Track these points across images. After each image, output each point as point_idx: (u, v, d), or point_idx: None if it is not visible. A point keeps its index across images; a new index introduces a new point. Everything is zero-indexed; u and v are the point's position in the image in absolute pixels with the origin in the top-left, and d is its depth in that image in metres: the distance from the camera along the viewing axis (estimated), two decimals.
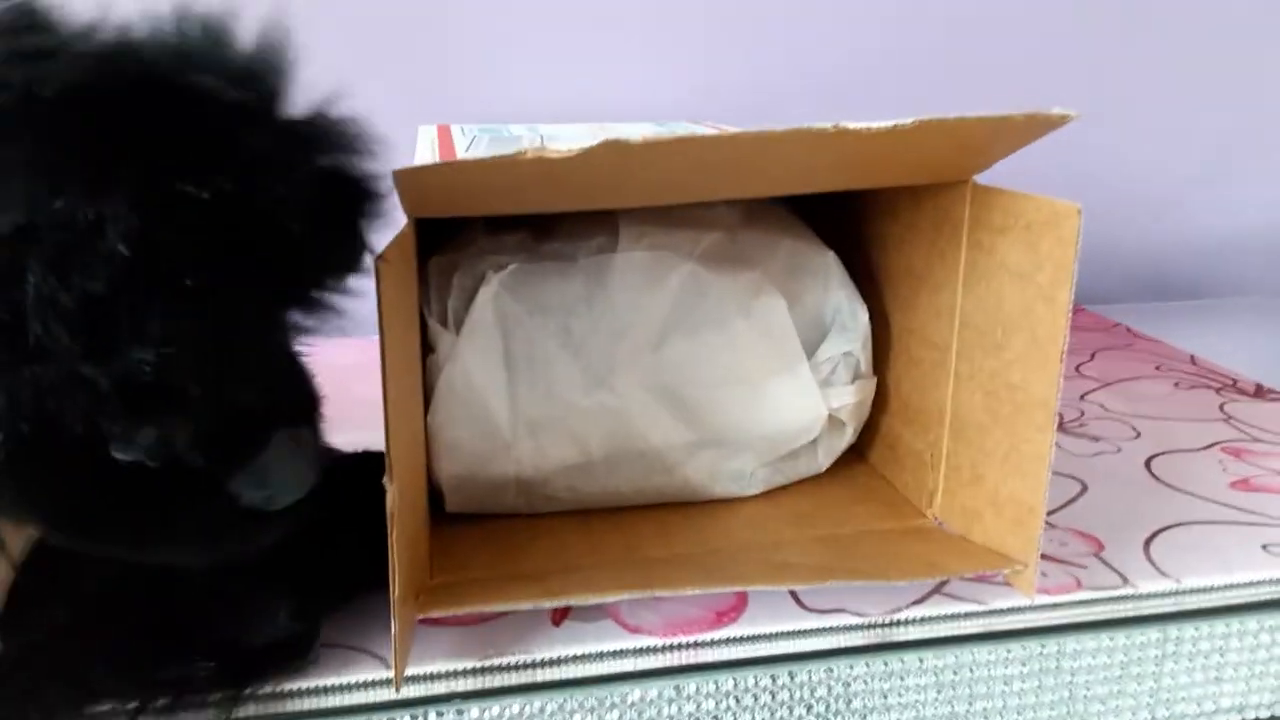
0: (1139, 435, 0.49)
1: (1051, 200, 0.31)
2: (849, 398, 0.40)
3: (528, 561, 0.36)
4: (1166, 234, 0.77)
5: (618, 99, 0.64)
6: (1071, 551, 0.38)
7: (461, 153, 0.42)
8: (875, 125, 0.27)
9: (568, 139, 0.48)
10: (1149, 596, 0.36)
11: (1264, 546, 0.38)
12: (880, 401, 0.43)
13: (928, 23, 0.66)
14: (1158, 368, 0.58)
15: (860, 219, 0.43)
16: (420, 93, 0.61)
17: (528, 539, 0.37)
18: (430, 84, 0.62)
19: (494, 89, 0.63)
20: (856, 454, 0.44)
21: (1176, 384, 0.56)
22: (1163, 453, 0.47)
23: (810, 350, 0.39)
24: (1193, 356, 0.60)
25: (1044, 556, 0.37)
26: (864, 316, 0.40)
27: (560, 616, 0.34)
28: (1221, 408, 0.52)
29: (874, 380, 0.41)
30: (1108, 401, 0.53)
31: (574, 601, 0.32)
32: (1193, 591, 0.36)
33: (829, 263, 0.40)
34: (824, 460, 0.42)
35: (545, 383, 0.36)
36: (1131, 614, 0.35)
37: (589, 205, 0.35)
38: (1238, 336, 0.68)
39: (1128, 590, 0.36)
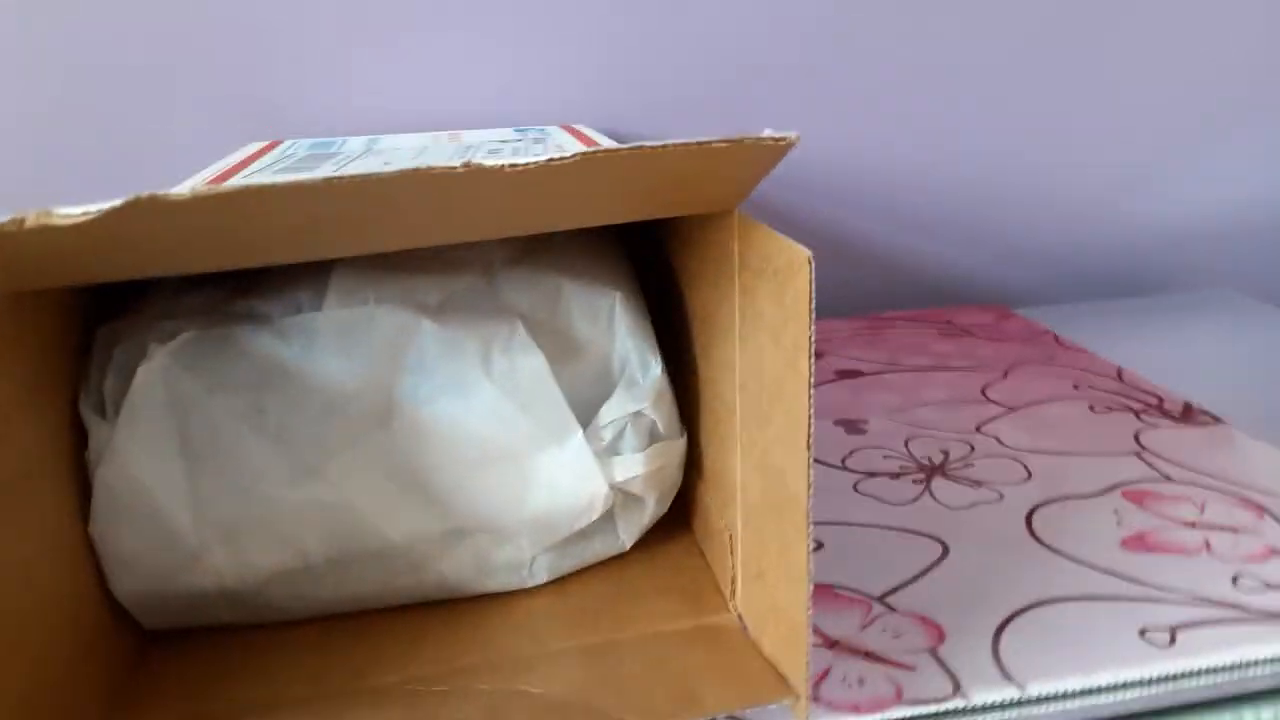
0: (1029, 477, 0.42)
1: (787, 242, 0.24)
2: (638, 467, 0.33)
3: (227, 694, 0.29)
4: (1105, 230, 0.69)
5: (506, 99, 0.57)
6: (903, 645, 0.31)
7: (244, 177, 0.36)
8: (522, 162, 0.21)
9: (402, 151, 0.43)
10: (981, 710, 0.29)
11: (1142, 632, 0.31)
12: (693, 464, 0.36)
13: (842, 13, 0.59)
14: (1076, 386, 0.51)
15: (669, 250, 0.37)
16: (263, 104, 0.55)
17: (240, 659, 0.31)
18: (278, 94, 0.56)
19: (354, 96, 0.57)
20: (683, 524, 0.38)
21: (1092, 406, 0.48)
22: (1051, 500, 0.40)
23: (591, 414, 0.33)
24: (1119, 370, 0.53)
25: (868, 655, 0.31)
26: (657, 369, 0.33)
27: None
28: (1137, 436, 0.45)
29: (679, 441, 0.35)
30: (1006, 433, 0.46)
31: None
32: (1038, 701, 0.29)
33: (614, 305, 0.34)
34: (625, 539, 0.35)
35: (236, 475, 0.30)
36: None
37: (266, 260, 0.28)
38: (1182, 333, 0.60)
39: (956, 703, 0.29)
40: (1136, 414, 0.47)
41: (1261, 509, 0.38)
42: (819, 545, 0.37)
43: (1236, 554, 0.35)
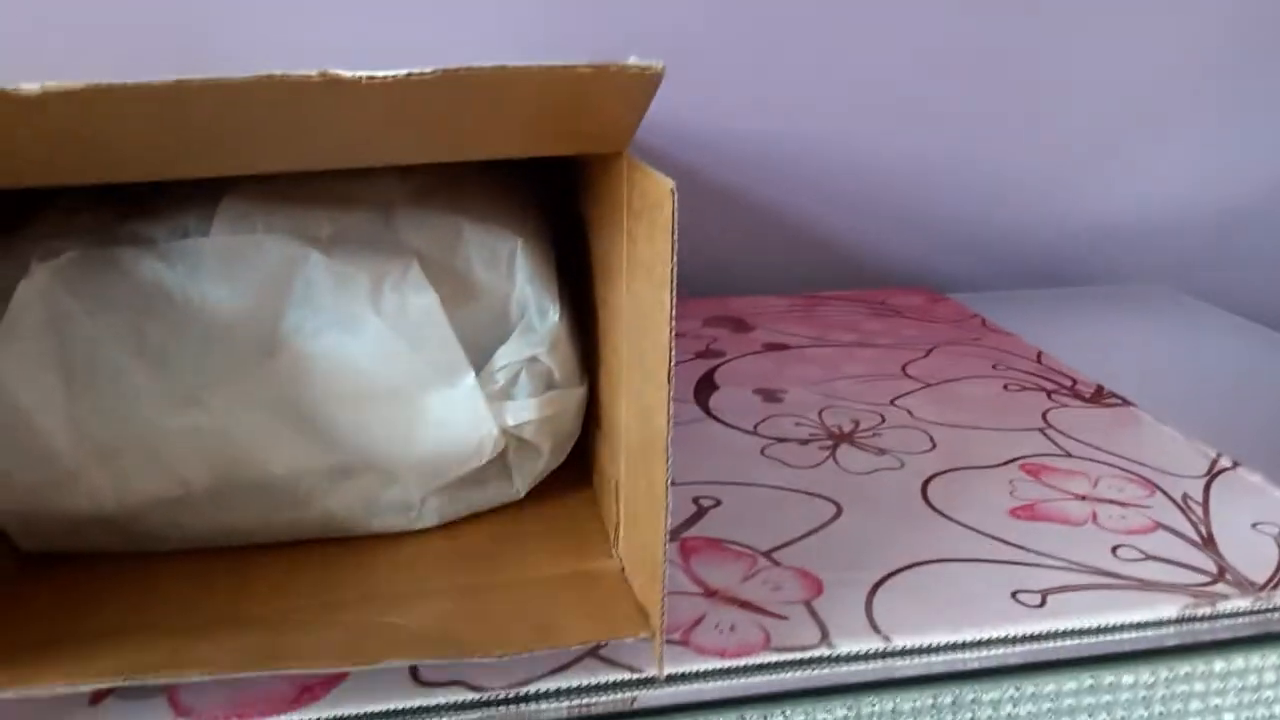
0: (933, 448, 0.42)
1: (657, 177, 0.24)
2: (532, 413, 0.33)
3: (97, 616, 0.29)
4: (1047, 221, 0.70)
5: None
6: (781, 597, 0.31)
7: None
8: (381, 74, 0.21)
9: None
10: (844, 659, 0.29)
11: (1014, 594, 0.32)
12: (592, 414, 0.36)
13: None
14: (995, 366, 0.51)
15: (577, 197, 0.37)
16: (192, 53, 0.55)
17: (113, 585, 0.31)
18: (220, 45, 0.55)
19: (294, 44, 0.57)
20: (584, 474, 0.38)
21: (1006, 386, 0.49)
22: (950, 470, 0.40)
23: (486, 357, 0.33)
24: (1040, 353, 0.53)
25: (742, 604, 0.31)
26: (554, 316, 0.33)
27: (100, 695, 0.28)
28: (1045, 415, 0.45)
29: (578, 391, 0.35)
30: (918, 407, 0.46)
31: (106, 683, 0.26)
32: (902, 653, 0.29)
33: (515, 250, 0.34)
34: (519, 486, 0.35)
35: (116, 399, 0.29)
36: (818, 683, 0.29)
37: (129, 174, 0.27)
38: (1111, 323, 0.61)
39: (820, 651, 0.29)
40: (1048, 394, 0.48)
41: (1154, 486, 0.39)
42: (717, 503, 0.37)
43: (1121, 526, 0.36)
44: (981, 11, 0.61)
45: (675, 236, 0.23)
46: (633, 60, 0.21)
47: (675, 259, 0.23)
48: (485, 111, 0.24)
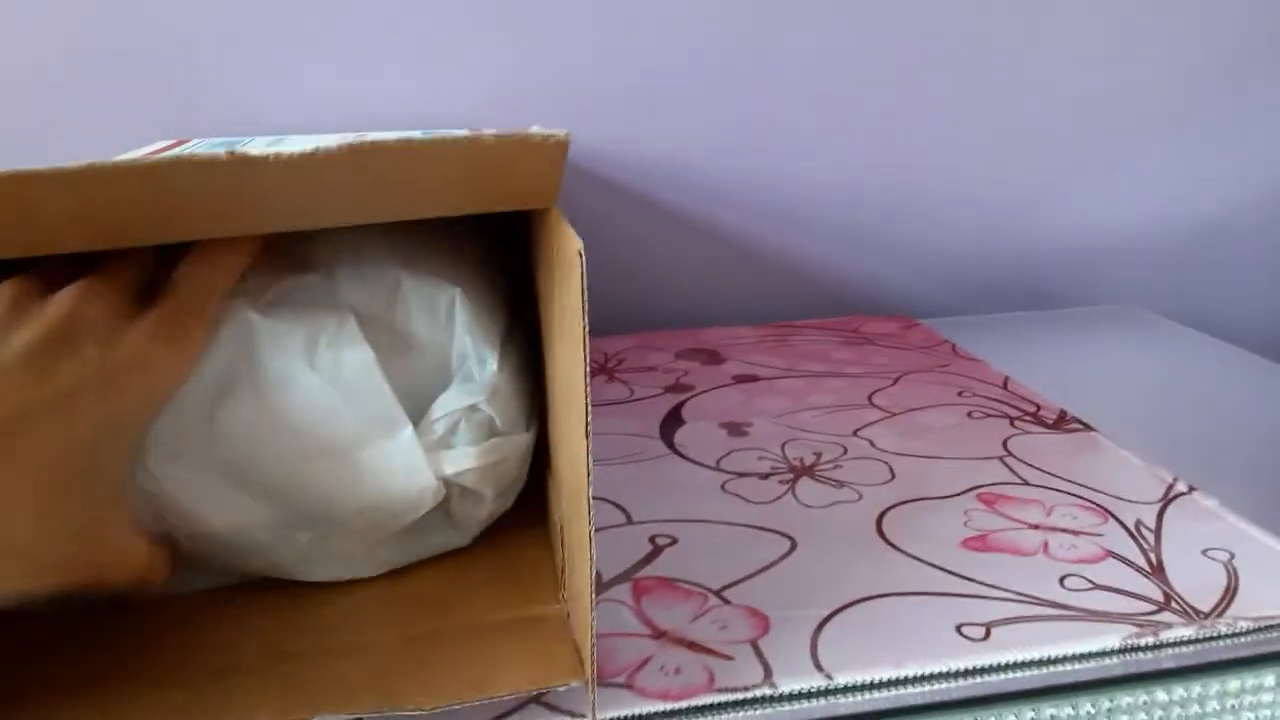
0: (892, 479, 0.42)
1: (568, 235, 0.25)
2: (471, 461, 0.33)
3: (35, 677, 0.30)
4: (1017, 245, 0.70)
5: (415, 102, 0.58)
6: (728, 636, 0.32)
7: None
8: (288, 152, 0.22)
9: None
10: (786, 698, 0.29)
11: (958, 627, 0.32)
12: (544, 458, 0.37)
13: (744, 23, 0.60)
14: (960, 393, 0.52)
15: (528, 246, 0.38)
16: (178, 101, 0.56)
17: (53, 642, 0.31)
18: (193, 92, 0.56)
19: (281, 93, 0.58)
20: (540, 519, 0.38)
21: (970, 413, 0.49)
22: (907, 501, 0.40)
23: (424, 407, 0.33)
24: (1006, 379, 0.54)
25: (690, 644, 0.31)
26: (493, 365, 0.34)
27: None
28: (1005, 443, 0.46)
29: (522, 437, 0.35)
30: (880, 437, 0.47)
31: None
32: (844, 690, 0.30)
33: (454, 300, 0.34)
34: (464, 534, 0.36)
35: None
36: None
37: (50, 248, 0.28)
38: (1079, 345, 0.61)
39: (763, 690, 0.29)
40: (1011, 420, 0.48)
41: (1108, 513, 0.39)
42: (673, 541, 0.38)
43: (1071, 555, 0.36)
44: (951, 38, 0.62)
45: (585, 296, 0.23)
46: (535, 129, 0.22)
47: (586, 317, 0.24)
48: (401, 179, 0.25)
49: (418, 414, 0.33)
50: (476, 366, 0.34)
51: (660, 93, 0.60)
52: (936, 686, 0.30)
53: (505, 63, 0.58)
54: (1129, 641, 0.31)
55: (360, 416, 0.32)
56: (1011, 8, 0.62)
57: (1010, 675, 0.31)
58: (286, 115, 0.57)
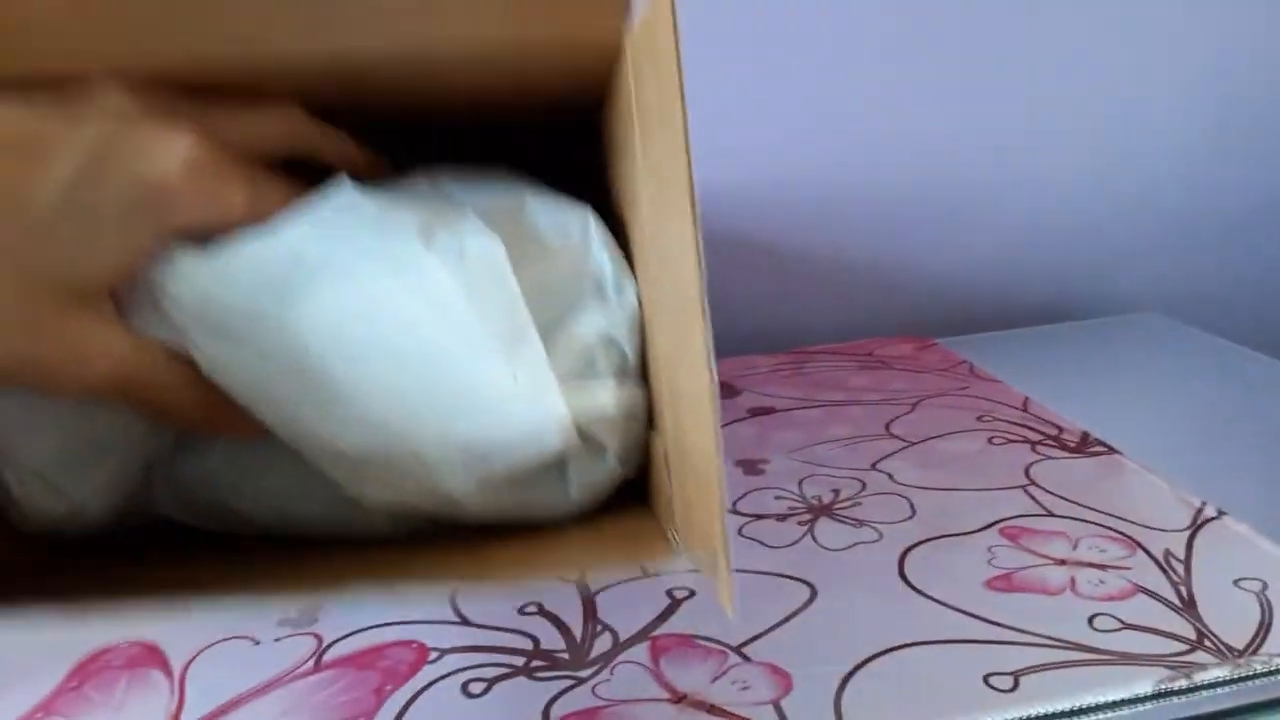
0: (913, 515, 0.42)
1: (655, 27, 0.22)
2: (609, 401, 0.27)
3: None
4: (1031, 257, 0.69)
5: None
6: (750, 698, 0.31)
7: None
8: None
9: None
10: None
11: (986, 678, 0.31)
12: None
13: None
14: (980, 418, 0.51)
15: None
16: None
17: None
18: None
19: None
20: (644, 505, 0.31)
21: (991, 439, 0.48)
22: (929, 539, 0.40)
23: (555, 327, 0.27)
24: (1026, 400, 0.53)
25: (711, 709, 0.31)
26: (633, 294, 0.29)
27: None
28: (1028, 470, 0.45)
29: (643, 393, 0.29)
30: (899, 470, 0.46)
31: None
32: None
33: (587, 219, 0.29)
34: (577, 495, 0.28)
35: None
36: None
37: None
38: (1100, 358, 0.60)
39: None
40: (1033, 445, 0.47)
41: (1135, 544, 0.38)
42: (690, 594, 0.37)
43: (1100, 593, 0.35)
44: (966, 44, 0.62)
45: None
46: None
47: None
48: None
49: (545, 337, 0.27)
50: (615, 293, 0.28)
51: None
52: None
53: None
54: (1162, 686, 0.30)
55: (480, 319, 0.25)
56: (1029, 8, 0.61)
57: None
58: None
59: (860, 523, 0.41)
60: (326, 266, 0.25)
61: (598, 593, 0.37)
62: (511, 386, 0.25)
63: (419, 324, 0.25)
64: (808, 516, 0.42)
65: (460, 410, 0.25)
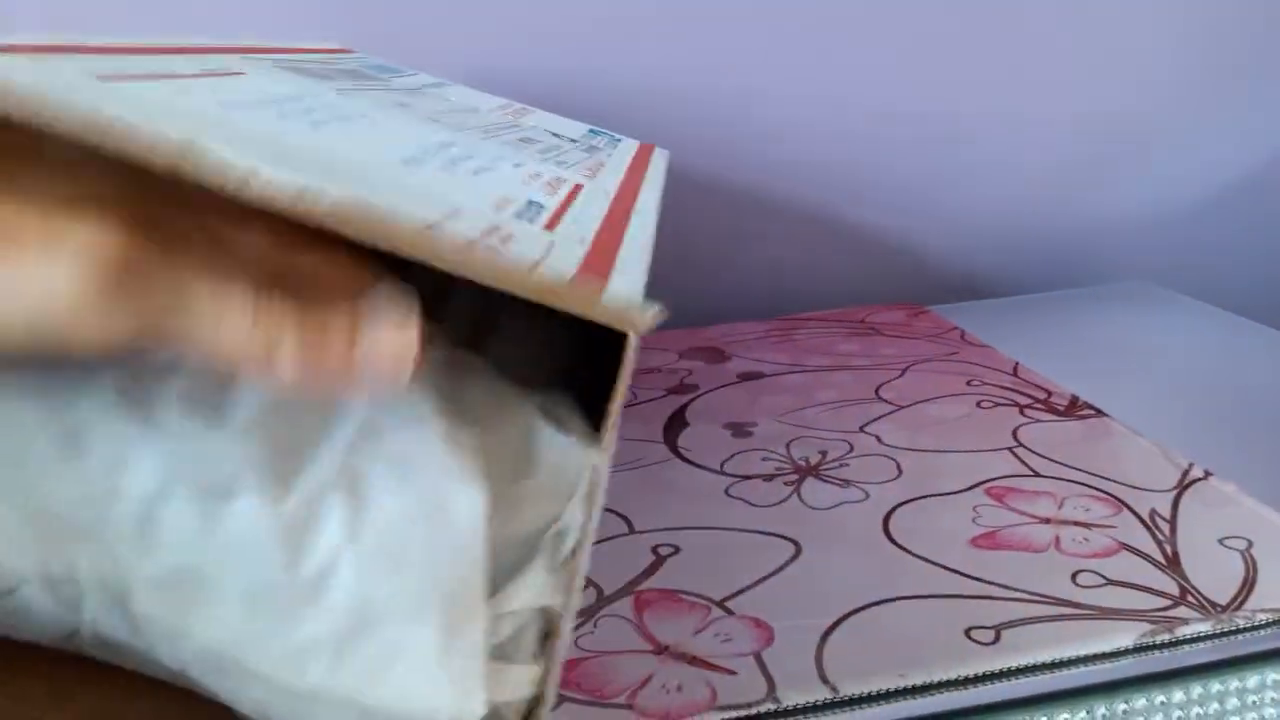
0: (899, 475, 0.42)
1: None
2: (528, 687, 0.23)
3: None
4: (1026, 225, 0.69)
5: None
6: (731, 649, 0.31)
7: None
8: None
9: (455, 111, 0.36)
10: (790, 713, 0.29)
11: (968, 631, 0.31)
12: None
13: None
14: (970, 382, 0.51)
15: None
16: None
17: None
18: None
19: None
20: None
21: (980, 403, 0.48)
22: (915, 499, 0.40)
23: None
24: (1016, 365, 0.53)
25: (691, 660, 0.31)
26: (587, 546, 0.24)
27: None
28: (1016, 432, 0.45)
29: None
30: (887, 432, 0.46)
31: None
32: (848, 703, 0.29)
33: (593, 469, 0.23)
34: None
35: None
36: None
37: None
38: (1091, 326, 0.60)
39: (766, 706, 0.29)
40: (1021, 409, 0.47)
41: (1121, 503, 0.38)
42: (675, 550, 0.37)
43: (1084, 550, 0.35)
44: (981, 19, 0.61)
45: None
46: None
47: None
48: None
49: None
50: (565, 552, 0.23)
51: (676, 85, 0.59)
52: (943, 695, 0.29)
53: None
54: (1144, 640, 0.30)
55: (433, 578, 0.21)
56: None
57: (1020, 680, 0.30)
58: None
59: (847, 483, 0.41)
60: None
61: None
62: (434, 666, 0.21)
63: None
64: (794, 477, 0.42)
65: (350, 684, 0.21)
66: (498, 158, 0.30)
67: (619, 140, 0.46)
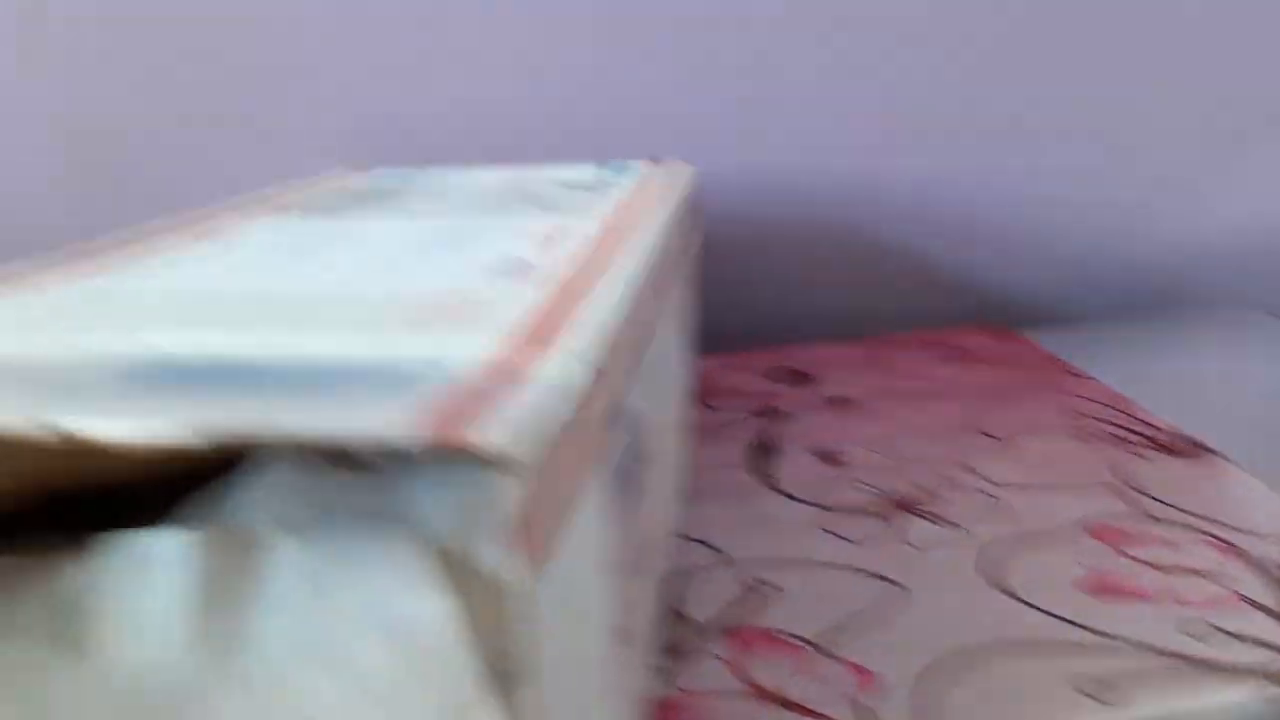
0: (998, 513, 0.41)
1: None
2: None
3: None
4: (1126, 248, 0.67)
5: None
6: (829, 694, 0.31)
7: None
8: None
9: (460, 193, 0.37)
10: None
11: (1075, 683, 0.30)
12: None
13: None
14: (1071, 415, 0.50)
15: None
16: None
17: None
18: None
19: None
20: None
21: (1083, 438, 0.47)
22: (1016, 538, 0.39)
23: None
24: (1120, 399, 0.51)
25: (787, 704, 0.30)
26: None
27: None
28: (1122, 470, 0.43)
29: None
30: (986, 466, 0.45)
31: None
32: None
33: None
34: None
35: None
36: None
37: None
38: (1198, 357, 0.58)
39: None
40: (1127, 445, 0.46)
41: (1234, 550, 0.37)
42: (768, 585, 0.37)
43: (1197, 598, 0.34)
44: (1061, 28, 0.60)
45: None
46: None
47: None
48: None
49: None
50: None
51: (739, 106, 0.59)
52: None
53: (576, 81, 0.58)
54: (1258, 696, 0.29)
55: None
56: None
57: None
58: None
59: (943, 519, 0.41)
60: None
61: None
62: None
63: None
64: (890, 512, 0.41)
65: None
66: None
67: (623, 168, 0.44)
